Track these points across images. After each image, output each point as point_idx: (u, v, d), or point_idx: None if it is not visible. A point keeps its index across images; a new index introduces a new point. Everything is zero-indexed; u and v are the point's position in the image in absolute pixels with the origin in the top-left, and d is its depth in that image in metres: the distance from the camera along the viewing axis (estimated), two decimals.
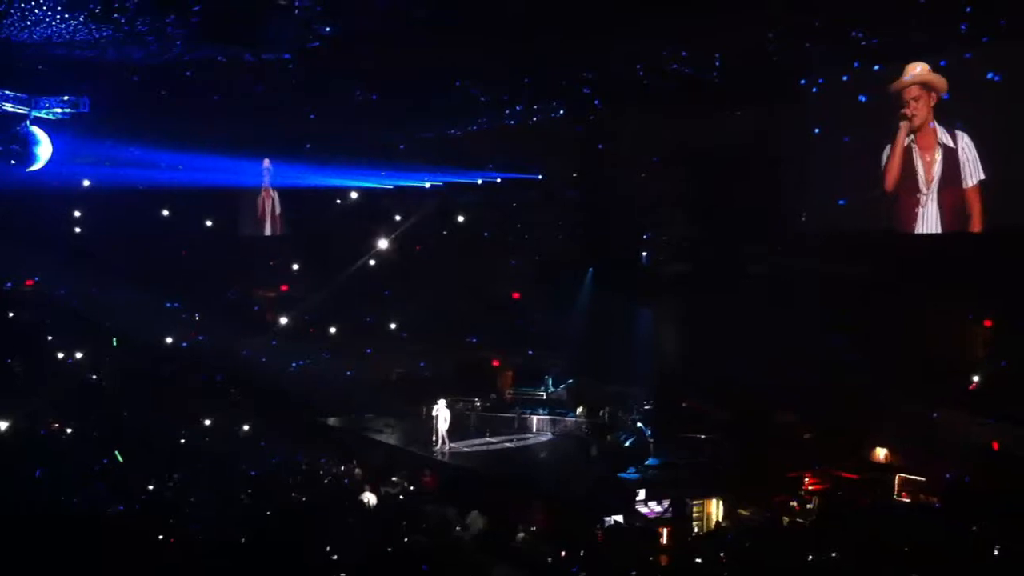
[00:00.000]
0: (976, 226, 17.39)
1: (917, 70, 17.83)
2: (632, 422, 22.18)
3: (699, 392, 22.64)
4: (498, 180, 27.50)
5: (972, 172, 17.36)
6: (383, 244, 30.01)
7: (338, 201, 32.18)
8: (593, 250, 26.24)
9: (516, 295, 28.44)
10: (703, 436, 21.07)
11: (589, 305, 26.45)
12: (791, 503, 17.26)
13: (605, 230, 25.78)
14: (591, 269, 26.59)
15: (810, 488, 17.99)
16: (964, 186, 17.45)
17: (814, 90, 19.94)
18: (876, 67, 18.69)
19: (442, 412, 21.32)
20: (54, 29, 17.32)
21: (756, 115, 21.53)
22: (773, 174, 20.87)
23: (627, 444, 21.40)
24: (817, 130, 20.19)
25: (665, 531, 16.61)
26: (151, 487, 16.17)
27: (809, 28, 16.74)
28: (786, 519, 16.70)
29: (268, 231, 33.03)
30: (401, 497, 18.08)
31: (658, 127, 23.16)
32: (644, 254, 26.39)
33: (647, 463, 20.05)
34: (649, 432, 21.46)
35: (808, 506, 17.26)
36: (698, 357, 22.61)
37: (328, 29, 17.65)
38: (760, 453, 19.76)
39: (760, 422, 21.10)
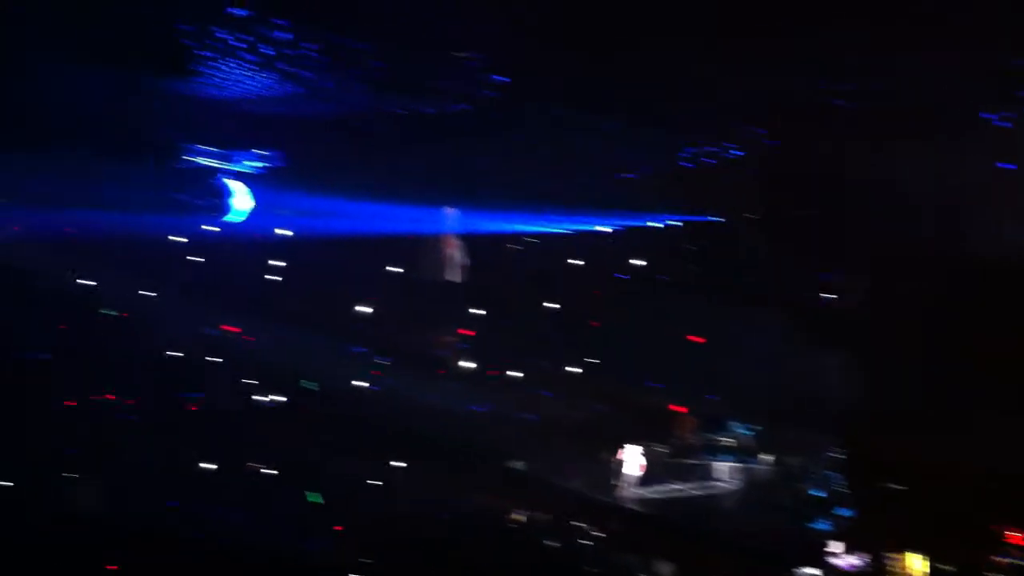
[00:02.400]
0: None
1: None
2: (822, 470, 21.35)
3: (892, 440, 21.60)
4: (677, 223, 27.21)
5: None
6: (562, 287, 30.02)
7: (516, 246, 32.47)
8: (774, 290, 25.57)
9: (698, 339, 27.92)
10: (898, 486, 20.05)
11: (772, 349, 25.71)
12: (995, 559, 16.19)
13: (786, 270, 25.11)
14: (771, 309, 25.87)
15: (1014, 543, 16.82)
16: None
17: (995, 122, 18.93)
18: None
19: (626, 457, 21.09)
20: (248, 86, 18.26)
21: (937, 147, 20.62)
22: (954, 208, 19.93)
23: (818, 493, 20.61)
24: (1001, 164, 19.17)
25: None
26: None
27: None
28: None
29: (449, 276, 33.59)
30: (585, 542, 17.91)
31: (836, 161, 22.48)
32: (825, 295, 25.61)
33: (839, 513, 19.23)
34: (841, 480, 20.60)
35: (1014, 562, 16.15)
36: (890, 405, 21.66)
37: (504, 79, 17.99)
38: (960, 504, 18.70)
39: (958, 471, 19.99)
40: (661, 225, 27.74)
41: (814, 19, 15.67)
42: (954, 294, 20.96)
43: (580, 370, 30.59)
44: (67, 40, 16.70)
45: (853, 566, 16.46)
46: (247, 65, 17.23)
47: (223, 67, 17.27)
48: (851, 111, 19.43)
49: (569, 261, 30.75)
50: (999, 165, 19.08)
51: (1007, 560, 16.13)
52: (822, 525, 18.33)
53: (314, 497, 19.08)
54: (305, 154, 23.49)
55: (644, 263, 29.41)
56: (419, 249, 34.08)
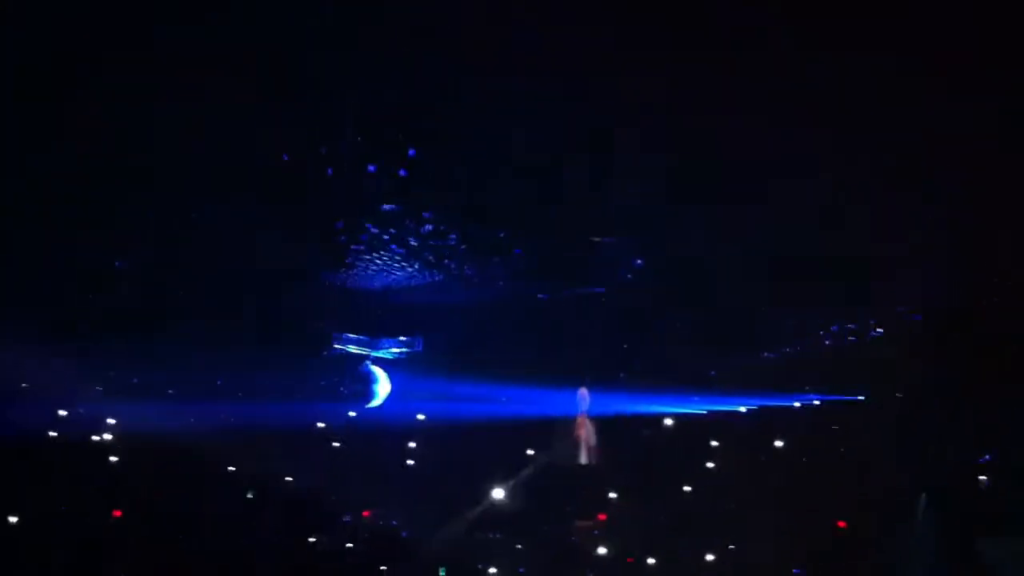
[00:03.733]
0: None
1: None
2: None
3: None
4: (817, 402, 26.79)
5: None
6: (696, 469, 29.60)
7: (651, 429, 32.28)
8: (926, 474, 24.68)
9: (842, 523, 26.96)
10: None
11: (925, 534, 24.62)
12: None
13: (937, 453, 24.28)
14: (923, 494, 24.92)
15: None
16: None
17: None
18: None
19: None
20: (393, 277, 19.17)
21: None
22: None
23: None
24: None
25: None
26: None
27: None
28: None
29: (584, 459, 33.44)
30: None
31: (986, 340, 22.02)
32: (984, 478, 24.55)
33: None
34: None
35: None
36: None
37: (639, 262, 18.45)
38: None
39: None
40: (799, 404, 27.33)
41: None
42: None
43: (717, 558, 29.77)
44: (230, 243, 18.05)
45: None
46: (393, 255, 18.15)
47: (372, 258, 18.25)
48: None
49: (711, 443, 30.44)
50: None
51: None
52: None
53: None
54: (444, 339, 24.23)
55: (783, 444, 28.87)
56: (555, 432, 34.19)
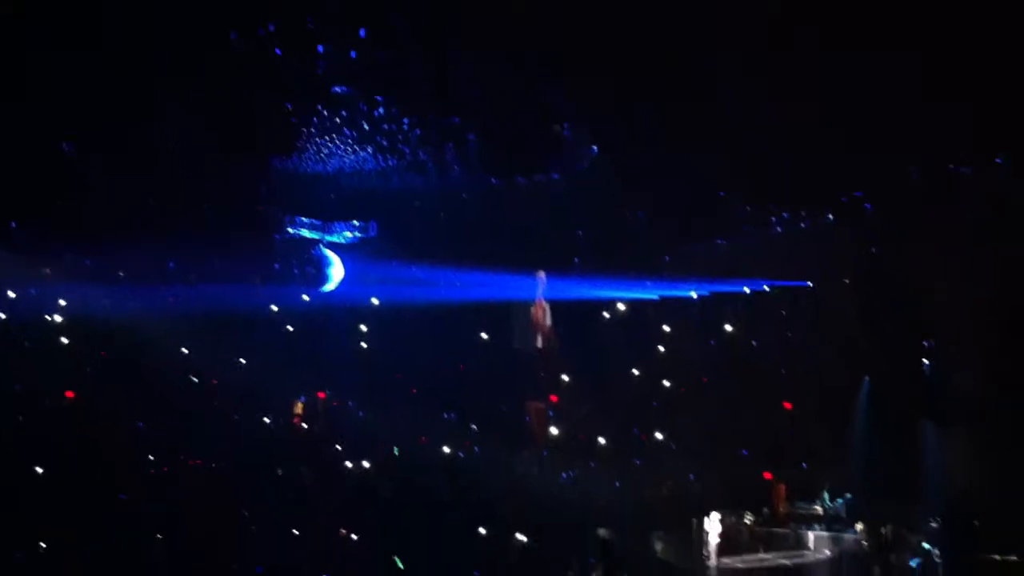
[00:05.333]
0: None
1: None
2: (918, 542, 20.89)
3: (993, 512, 21.09)
4: (766, 288, 27.18)
5: None
6: (648, 354, 30.11)
7: (605, 313, 32.63)
8: (870, 359, 25.32)
9: (788, 405, 27.67)
10: (999, 557, 19.58)
11: (866, 417, 25.41)
12: None
13: (883, 339, 24.85)
14: (867, 379, 25.62)
15: None
16: None
17: None
18: None
19: (713, 526, 20.87)
20: (346, 161, 18.99)
21: None
22: None
23: (913, 565, 20.16)
24: None
25: None
26: None
27: None
28: None
29: (539, 344, 33.81)
30: None
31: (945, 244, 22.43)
32: (927, 363, 25.27)
33: None
34: (938, 553, 20.13)
35: None
36: (990, 475, 21.25)
37: (594, 150, 18.41)
38: None
39: None
40: (749, 291, 27.71)
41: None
42: None
43: (667, 438, 30.51)
44: (177, 124, 17.70)
45: None
46: (347, 140, 17.95)
47: (324, 143, 18.04)
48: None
49: (663, 327, 30.92)
50: None
51: None
52: None
53: (400, 563, 19.28)
54: (399, 224, 24.16)
55: (732, 329, 29.36)
56: (511, 317, 34.47)
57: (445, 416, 32.64)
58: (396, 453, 29.74)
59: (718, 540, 20.70)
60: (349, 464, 28.54)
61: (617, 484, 28.06)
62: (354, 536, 21.95)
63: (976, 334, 23.00)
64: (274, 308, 27.26)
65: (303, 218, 23.21)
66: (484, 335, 34.43)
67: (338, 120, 17.53)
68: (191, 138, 18.25)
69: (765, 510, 23.91)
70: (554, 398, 34.28)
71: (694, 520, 22.10)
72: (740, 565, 20.79)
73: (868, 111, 16.94)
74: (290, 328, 27.84)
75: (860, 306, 25.27)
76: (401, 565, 19.30)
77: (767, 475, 25.83)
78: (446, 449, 30.56)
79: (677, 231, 26.46)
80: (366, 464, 28.58)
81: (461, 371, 32.61)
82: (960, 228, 21.74)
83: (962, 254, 22.03)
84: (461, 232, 25.55)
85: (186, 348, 25.74)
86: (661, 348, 30.80)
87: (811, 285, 26.38)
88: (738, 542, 22.27)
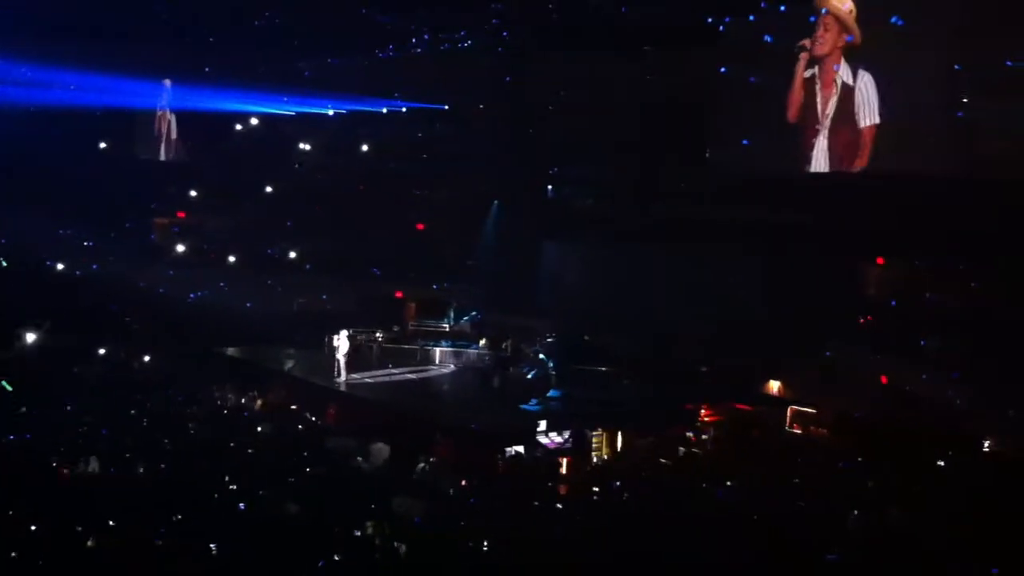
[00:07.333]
0: (861, 165, 17.85)
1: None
2: (534, 354, 22.31)
3: (602, 326, 22.89)
4: (404, 109, 27.12)
5: (868, 113, 17.68)
6: (284, 172, 29.48)
7: (239, 127, 31.34)
8: (500, 183, 26.17)
9: (420, 226, 28.24)
10: (604, 369, 21.38)
11: (494, 238, 26.48)
12: (688, 434, 17.53)
13: (512, 163, 25.69)
14: (496, 202, 26.56)
15: (706, 420, 18.31)
16: (859, 126, 17.81)
17: (721, 29, 20.10)
18: (783, 7, 18.96)
19: (343, 343, 21.06)
20: None
21: (671, 56, 21.56)
22: (686, 115, 20.99)
23: (529, 376, 21.53)
24: (724, 69, 20.38)
25: (565, 461, 16.76)
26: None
27: None
28: (682, 449, 16.98)
29: (164, 155, 32.05)
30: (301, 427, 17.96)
31: (570, 62, 23.12)
32: (551, 188, 26.51)
33: (548, 395, 20.18)
34: (551, 364, 21.60)
35: (704, 437, 17.56)
36: (601, 292, 23.01)
37: None
38: (658, 386, 20.27)
39: (659, 357, 21.65)
40: (384, 111, 27.56)
41: None
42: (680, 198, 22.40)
43: (301, 257, 30.32)
44: None
45: (557, 444, 17.27)
46: None
47: None
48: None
49: (300, 145, 30.23)
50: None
51: (695, 436, 17.44)
52: (533, 406, 19.11)
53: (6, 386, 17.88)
54: (7, 20, 21.62)
55: (368, 148, 29.24)
56: (135, 124, 32.21)
57: (60, 232, 30.38)
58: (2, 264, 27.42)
59: (347, 356, 20.90)
60: None
61: (248, 304, 27.68)
62: None
63: (593, 155, 24.39)
64: None
65: None
66: (103, 144, 32.11)
67: None
68: None
69: (395, 327, 24.52)
70: (181, 214, 32.81)
71: (325, 338, 22.19)
72: (368, 380, 21.21)
73: None
74: None
75: (493, 131, 25.89)
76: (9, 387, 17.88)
77: (398, 294, 26.44)
78: (60, 266, 28.68)
79: (316, 44, 25.60)
80: None
81: (77, 182, 30.12)
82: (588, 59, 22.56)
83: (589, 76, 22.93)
84: (77, 31, 23.30)
85: None
86: (297, 165, 30.20)
87: (448, 108, 26.60)
88: (367, 359, 22.71)
